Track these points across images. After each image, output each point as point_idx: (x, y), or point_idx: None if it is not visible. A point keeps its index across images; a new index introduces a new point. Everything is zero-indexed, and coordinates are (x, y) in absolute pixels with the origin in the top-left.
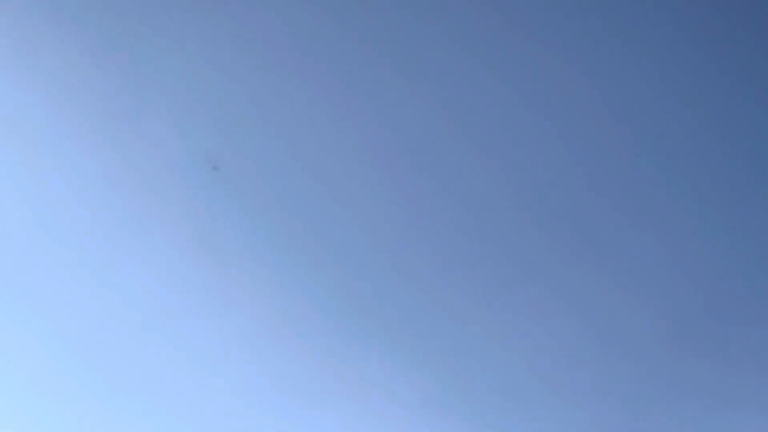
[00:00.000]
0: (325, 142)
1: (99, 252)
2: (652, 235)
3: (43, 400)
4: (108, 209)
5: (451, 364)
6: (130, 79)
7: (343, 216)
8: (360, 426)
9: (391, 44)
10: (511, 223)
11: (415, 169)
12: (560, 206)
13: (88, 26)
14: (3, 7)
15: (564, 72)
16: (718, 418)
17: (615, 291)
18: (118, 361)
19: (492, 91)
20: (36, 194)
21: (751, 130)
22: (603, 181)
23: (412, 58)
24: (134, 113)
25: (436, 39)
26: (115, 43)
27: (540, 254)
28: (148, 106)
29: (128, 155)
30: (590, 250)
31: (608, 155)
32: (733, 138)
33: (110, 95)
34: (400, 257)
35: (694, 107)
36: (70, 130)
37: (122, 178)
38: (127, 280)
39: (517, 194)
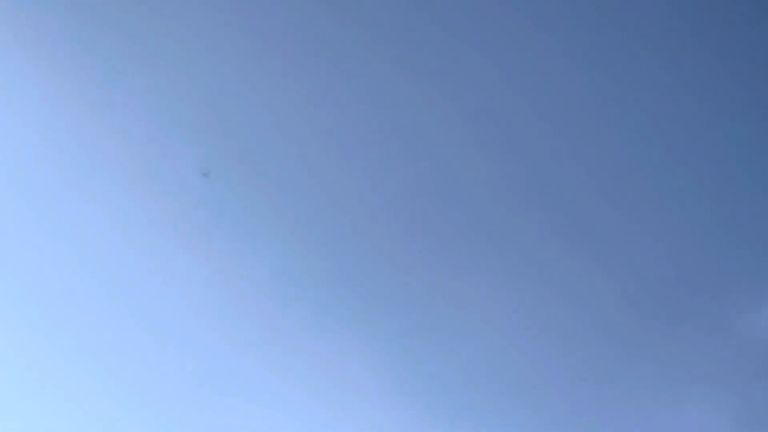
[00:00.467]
0: (319, 137)
1: (98, 250)
2: (631, 216)
3: (44, 400)
4: (106, 206)
5: (425, 346)
6: (131, 75)
7: (317, 194)
8: (332, 407)
9: (390, 42)
10: (482, 198)
11: (388, 153)
12: (535, 183)
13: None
14: (4, 4)
15: (558, 65)
16: (685, 391)
17: (589, 266)
18: (111, 355)
19: (480, 81)
20: (35, 193)
21: (722, 111)
22: (578, 161)
23: (409, 55)
24: (136, 111)
25: (434, 36)
26: (114, 40)
27: (513, 233)
28: (150, 105)
29: (128, 153)
30: (567, 229)
31: (587, 139)
32: (712, 120)
33: (111, 91)
34: (376, 240)
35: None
36: (70, 126)
37: (122, 176)
38: (122, 276)
39: (488, 166)
